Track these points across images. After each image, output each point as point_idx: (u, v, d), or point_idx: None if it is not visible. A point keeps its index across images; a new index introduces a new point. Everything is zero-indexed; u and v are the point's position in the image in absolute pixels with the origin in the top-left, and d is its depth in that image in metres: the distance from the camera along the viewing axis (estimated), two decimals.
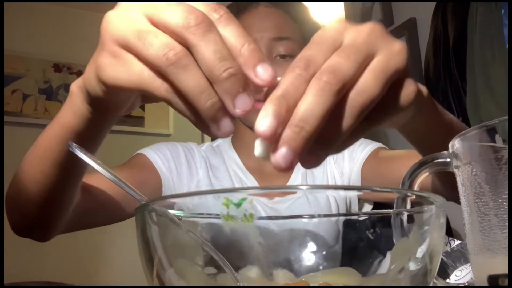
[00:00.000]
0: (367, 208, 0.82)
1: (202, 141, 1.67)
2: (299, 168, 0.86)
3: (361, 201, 0.82)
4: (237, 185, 0.82)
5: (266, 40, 0.74)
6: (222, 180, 0.83)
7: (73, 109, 0.42)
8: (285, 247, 0.26)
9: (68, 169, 0.50)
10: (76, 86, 0.41)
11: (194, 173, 0.82)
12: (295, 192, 0.60)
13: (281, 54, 0.75)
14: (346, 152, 0.85)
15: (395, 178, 0.73)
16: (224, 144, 0.91)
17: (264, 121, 0.24)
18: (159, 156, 0.80)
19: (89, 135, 0.44)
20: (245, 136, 0.86)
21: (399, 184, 0.72)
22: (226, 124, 0.27)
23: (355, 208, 0.81)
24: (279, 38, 0.75)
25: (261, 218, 0.27)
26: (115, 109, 0.38)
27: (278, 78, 0.27)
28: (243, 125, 0.85)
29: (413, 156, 0.70)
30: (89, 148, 0.48)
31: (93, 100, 0.37)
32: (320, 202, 0.70)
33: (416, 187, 0.33)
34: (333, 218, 0.28)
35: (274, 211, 0.70)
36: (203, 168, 0.84)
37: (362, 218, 0.30)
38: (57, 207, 0.55)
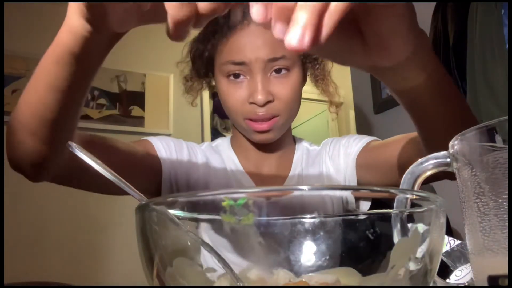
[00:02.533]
0: (365, 205, 0.83)
1: (202, 141, 1.67)
2: (295, 168, 0.87)
3: (357, 199, 0.83)
4: (234, 186, 0.83)
5: (261, 63, 0.74)
6: (220, 179, 0.83)
7: (70, 28, 0.43)
8: (285, 247, 0.26)
9: (64, 93, 0.48)
10: (74, 4, 0.42)
11: (194, 169, 0.83)
12: (291, 192, 0.60)
13: (277, 72, 0.76)
14: (342, 149, 0.86)
15: (390, 161, 0.73)
16: (223, 144, 0.91)
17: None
18: (163, 145, 0.80)
19: (84, 57, 0.44)
20: (243, 141, 0.87)
21: (395, 166, 0.72)
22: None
23: (352, 206, 0.81)
24: (274, 59, 0.75)
25: (261, 218, 0.27)
26: (112, 25, 0.40)
27: None
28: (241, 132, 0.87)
29: (406, 139, 0.70)
30: (86, 76, 0.48)
31: (91, 15, 0.40)
32: (318, 202, 0.70)
33: (416, 187, 0.33)
34: (333, 218, 0.28)
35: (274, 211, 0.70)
36: (203, 167, 0.84)
37: (362, 218, 0.30)
38: (52, 138, 0.52)
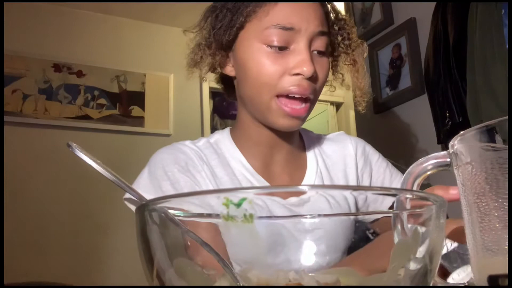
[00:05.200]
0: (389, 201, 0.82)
1: None
2: (312, 165, 0.83)
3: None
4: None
5: (311, 33, 0.71)
6: (230, 185, 0.75)
7: None
8: (285, 247, 0.26)
9: None
10: None
11: (202, 185, 0.74)
12: (305, 192, 0.58)
13: (317, 50, 0.73)
14: (377, 179, 0.86)
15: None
16: (224, 140, 0.81)
17: None
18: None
19: None
20: (252, 134, 0.79)
21: None
22: None
23: (375, 205, 0.77)
24: (321, 32, 0.72)
25: (261, 218, 0.27)
26: None
27: None
28: (253, 122, 0.78)
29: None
30: None
31: None
32: (338, 202, 0.69)
33: (416, 187, 0.33)
34: (333, 218, 0.28)
35: (291, 212, 0.68)
36: (208, 178, 0.75)
37: (362, 218, 0.30)
38: None
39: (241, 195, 0.26)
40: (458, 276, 0.43)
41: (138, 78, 2.97)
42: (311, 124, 4.18)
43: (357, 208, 0.78)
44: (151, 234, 0.27)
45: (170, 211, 0.27)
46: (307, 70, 0.68)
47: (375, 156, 0.89)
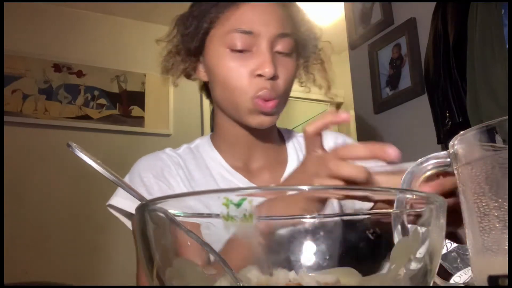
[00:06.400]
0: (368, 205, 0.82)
1: None
2: (292, 163, 0.84)
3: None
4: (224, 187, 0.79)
5: (271, 36, 0.73)
6: (205, 185, 0.78)
7: None
8: (285, 247, 0.26)
9: None
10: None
11: (176, 189, 0.76)
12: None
13: (280, 51, 0.75)
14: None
15: None
16: (204, 144, 0.85)
17: None
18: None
19: None
20: (229, 135, 0.82)
21: None
22: None
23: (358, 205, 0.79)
24: (283, 34, 0.74)
25: (261, 218, 0.27)
26: None
27: None
28: (229, 123, 0.80)
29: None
30: None
31: None
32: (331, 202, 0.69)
33: (416, 187, 0.33)
34: (333, 218, 0.28)
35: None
36: (182, 182, 0.78)
37: (362, 218, 0.30)
38: None
39: (241, 195, 0.26)
40: (460, 278, 0.43)
41: (138, 78, 2.97)
42: None
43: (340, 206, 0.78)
44: (151, 234, 0.27)
45: (170, 211, 0.27)
46: (268, 71, 0.71)
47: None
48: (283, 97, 0.76)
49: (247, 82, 0.73)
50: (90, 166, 0.33)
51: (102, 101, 2.85)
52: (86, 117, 2.76)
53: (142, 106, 2.95)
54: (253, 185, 0.79)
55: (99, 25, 2.92)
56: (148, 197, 0.72)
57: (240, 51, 0.73)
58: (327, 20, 3.10)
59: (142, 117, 2.94)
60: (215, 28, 0.76)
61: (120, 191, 0.76)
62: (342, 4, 2.41)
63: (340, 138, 0.90)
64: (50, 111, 2.68)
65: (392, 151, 0.45)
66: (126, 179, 0.78)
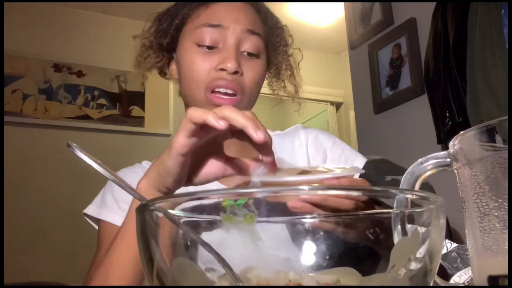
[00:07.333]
0: None
1: None
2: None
3: None
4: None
5: (239, 31, 0.74)
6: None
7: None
8: (285, 247, 0.26)
9: None
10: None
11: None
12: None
13: (248, 51, 0.75)
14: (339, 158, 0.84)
15: None
16: None
17: None
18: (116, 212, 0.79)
19: None
20: None
21: None
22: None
23: None
24: (251, 31, 0.75)
25: (261, 218, 0.27)
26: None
27: None
28: None
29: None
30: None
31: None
32: None
33: (416, 187, 0.33)
34: (333, 218, 0.28)
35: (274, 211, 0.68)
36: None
37: (362, 218, 0.30)
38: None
39: (241, 196, 0.26)
40: (460, 278, 0.43)
41: (138, 78, 2.97)
42: (312, 124, 4.18)
43: None
44: (151, 234, 0.27)
45: (170, 211, 0.27)
46: (231, 66, 0.71)
47: (329, 143, 0.87)
48: (247, 97, 0.75)
49: (206, 75, 0.73)
50: (90, 166, 0.33)
51: (102, 101, 2.85)
52: (86, 117, 2.76)
53: (142, 106, 2.95)
54: (224, 187, 0.75)
55: (99, 25, 2.92)
56: (114, 202, 0.77)
57: (208, 47, 0.74)
58: (327, 20, 3.10)
59: (142, 117, 2.94)
60: (187, 25, 0.78)
61: (95, 198, 0.80)
62: (342, 4, 2.41)
63: (313, 134, 0.89)
64: (50, 111, 2.68)
65: (260, 134, 0.47)
66: (101, 191, 0.82)
